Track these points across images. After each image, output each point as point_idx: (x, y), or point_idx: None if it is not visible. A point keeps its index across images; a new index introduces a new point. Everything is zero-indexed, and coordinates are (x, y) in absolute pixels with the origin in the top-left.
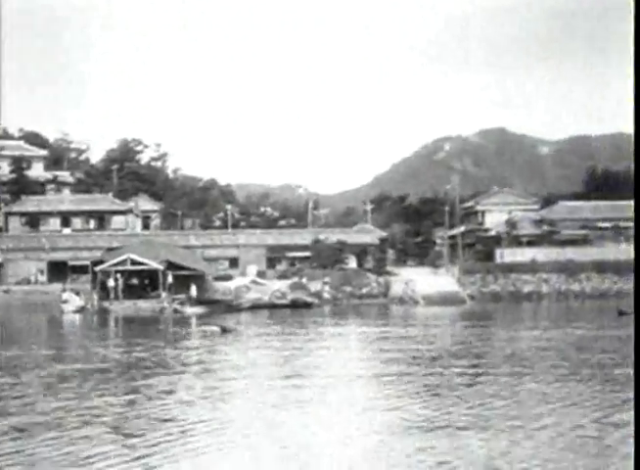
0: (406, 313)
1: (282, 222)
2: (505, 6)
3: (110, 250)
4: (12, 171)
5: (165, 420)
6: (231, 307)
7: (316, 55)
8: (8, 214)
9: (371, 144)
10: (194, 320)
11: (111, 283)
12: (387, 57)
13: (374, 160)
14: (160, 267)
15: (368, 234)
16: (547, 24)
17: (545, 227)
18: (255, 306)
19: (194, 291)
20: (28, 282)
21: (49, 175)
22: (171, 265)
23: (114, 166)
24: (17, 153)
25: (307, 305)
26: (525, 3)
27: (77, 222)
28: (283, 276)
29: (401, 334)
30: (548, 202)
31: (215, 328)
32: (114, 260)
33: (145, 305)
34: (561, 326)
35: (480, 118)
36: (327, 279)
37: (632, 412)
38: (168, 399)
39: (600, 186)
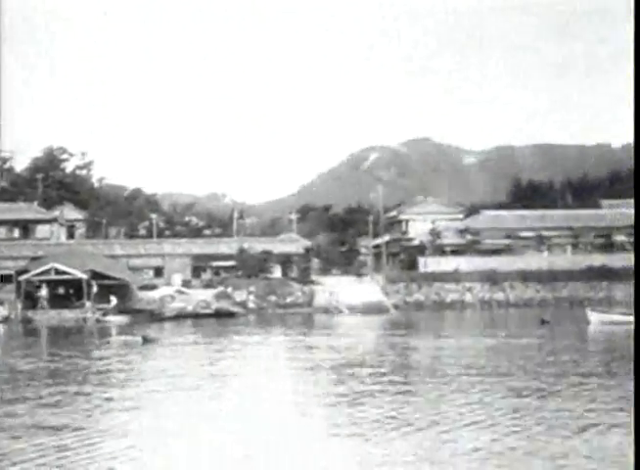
0: (329, 322)
1: (207, 232)
2: (423, 11)
3: (34, 259)
4: None
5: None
6: (155, 317)
7: (238, 66)
8: None
9: (297, 153)
10: (115, 330)
11: (41, 292)
12: (313, 66)
13: (300, 169)
14: (85, 277)
15: (293, 243)
16: (472, 30)
17: (469, 236)
18: (180, 316)
19: (114, 300)
20: None
21: None
22: (96, 275)
23: (39, 175)
24: None
25: (231, 315)
26: (445, 5)
27: (1, 231)
28: (208, 285)
29: (314, 343)
30: (472, 211)
31: (137, 338)
32: (39, 270)
33: (69, 315)
34: (475, 335)
35: (406, 128)
36: (252, 288)
37: (633, 413)
38: (51, 409)
39: (524, 196)
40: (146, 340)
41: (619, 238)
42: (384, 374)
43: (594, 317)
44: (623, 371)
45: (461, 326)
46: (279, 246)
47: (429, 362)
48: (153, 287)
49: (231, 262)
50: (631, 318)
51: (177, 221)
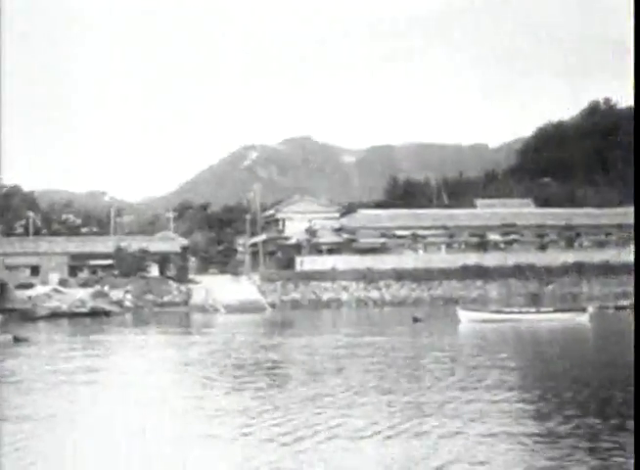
0: (204, 321)
1: (84, 230)
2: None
3: None
4: None
5: None
6: (28, 316)
7: (121, 60)
8: None
9: (178, 151)
10: None
11: None
12: (195, 65)
13: (180, 167)
14: None
15: (170, 242)
16: (353, 32)
17: (345, 235)
18: (55, 315)
19: None
20: None
21: None
22: None
23: None
24: None
25: (107, 314)
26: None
27: None
28: (85, 284)
29: (182, 342)
30: (349, 210)
31: (8, 337)
32: None
33: None
34: (341, 333)
35: (286, 127)
36: (129, 287)
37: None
38: None
39: (400, 195)
40: (17, 339)
41: (493, 237)
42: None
43: (464, 315)
44: (461, 367)
45: (333, 324)
46: (156, 244)
47: (276, 359)
48: (29, 286)
49: (108, 261)
50: (501, 316)
51: (54, 220)
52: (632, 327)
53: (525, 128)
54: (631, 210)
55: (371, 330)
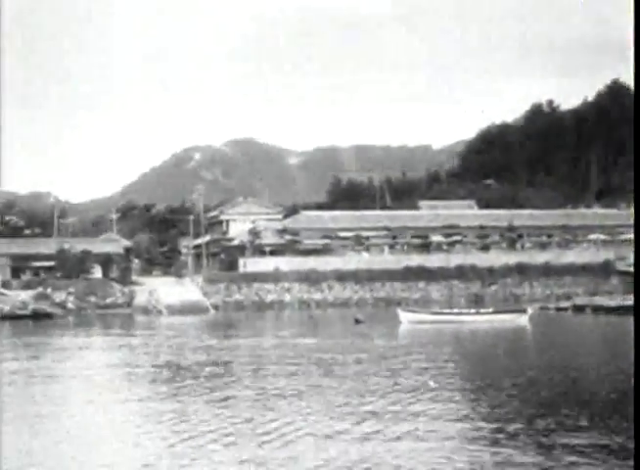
0: (146, 323)
1: (27, 231)
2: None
3: None
4: None
5: None
6: None
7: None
8: None
9: (122, 152)
10: None
11: None
12: (139, 64)
13: (124, 168)
14: None
15: (113, 243)
16: (295, 34)
17: (288, 237)
18: None
19: None
20: None
21: None
22: None
23: None
24: None
25: (49, 316)
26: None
27: None
28: (27, 286)
29: (115, 344)
30: (292, 212)
31: None
32: None
33: None
34: (277, 335)
35: (230, 128)
36: (71, 289)
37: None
38: None
39: (344, 196)
40: None
41: (436, 238)
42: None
43: (404, 317)
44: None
45: (270, 326)
46: (99, 246)
47: (201, 361)
48: None
49: (51, 263)
50: (441, 317)
51: None
52: (570, 327)
53: (469, 130)
54: (572, 211)
55: (307, 332)
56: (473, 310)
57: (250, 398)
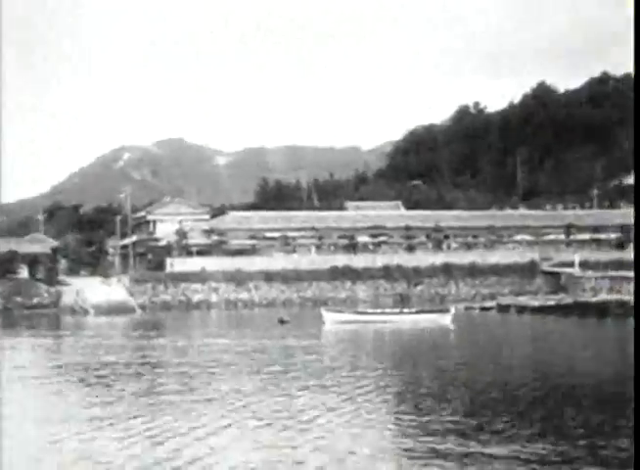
0: (72, 323)
1: None
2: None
3: None
4: None
5: None
6: None
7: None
8: None
9: (50, 152)
10: None
11: None
12: (72, 69)
13: (52, 168)
14: None
15: (40, 244)
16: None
17: (215, 237)
18: None
19: None
20: None
21: None
22: None
23: None
24: None
25: None
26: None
27: None
28: None
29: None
30: (219, 212)
31: None
32: None
33: None
34: (199, 335)
35: (159, 128)
36: None
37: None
38: None
39: (271, 197)
40: None
41: (363, 239)
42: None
43: (328, 317)
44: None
45: (193, 326)
46: (26, 246)
47: (113, 360)
48: None
49: None
50: (364, 317)
51: None
52: (492, 326)
53: (397, 131)
54: (498, 212)
55: (226, 332)
56: (396, 310)
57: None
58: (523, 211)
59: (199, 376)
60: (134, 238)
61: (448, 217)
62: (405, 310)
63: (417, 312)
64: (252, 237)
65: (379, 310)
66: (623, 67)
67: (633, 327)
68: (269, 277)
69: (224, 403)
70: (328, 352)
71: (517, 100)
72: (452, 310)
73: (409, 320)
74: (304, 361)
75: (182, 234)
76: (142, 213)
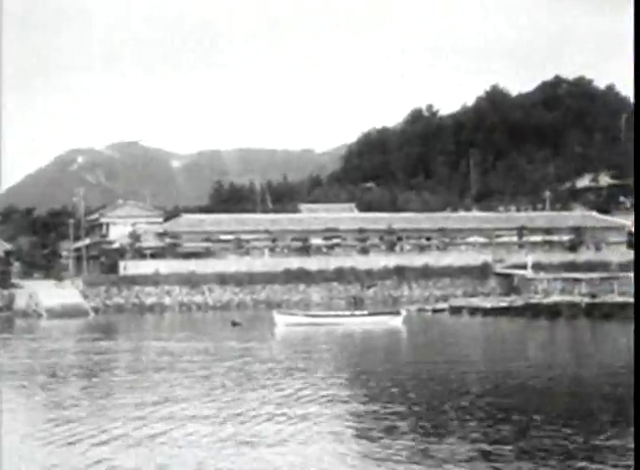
0: (25, 327)
1: None
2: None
3: None
4: None
5: None
6: None
7: None
8: None
9: (5, 155)
10: None
11: None
12: (24, 70)
13: (6, 171)
14: None
15: None
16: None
17: (168, 240)
18: None
19: None
20: None
21: None
22: None
23: None
24: None
25: None
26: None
27: None
28: None
29: None
30: (173, 215)
31: None
32: None
33: None
34: (150, 338)
35: (115, 131)
36: None
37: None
38: None
39: (225, 199)
40: None
41: (316, 241)
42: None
43: (280, 319)
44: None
45: (143, 329)
46: None
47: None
48: None
49: None
50: (315, 320)
51: None
52: (443, 328)
53: (352, 134)
54: (451, 214)
55: (177, 335)
56: (347, 313)
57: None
58: (476, 213)
59: (121, 385)
60: (87, 241)
61: (401, 219)
62: (357, 313)
63: (368, 315)
64: (206, 240)
65: (330, 313)
66: (578, 70)
67: (584, 327)
68: (223, 280)
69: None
70: (272, 354)
71: (470, 103)
72: (403, 313)
73: (360, 322)
74: (243, 363)
75: (135, 237)
76: (95, 216)
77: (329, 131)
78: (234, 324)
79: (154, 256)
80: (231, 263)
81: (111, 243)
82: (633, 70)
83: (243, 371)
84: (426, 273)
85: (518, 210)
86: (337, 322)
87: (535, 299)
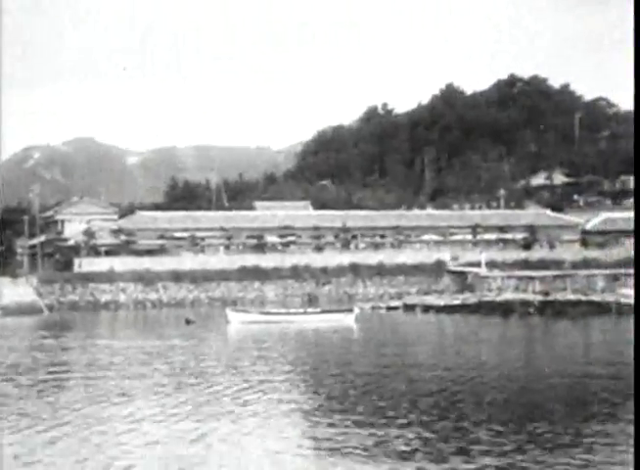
0: None
1: None
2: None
3: None
4: None
5: None
6: None
7: None
8: None
9: None
10: None
11: None
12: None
13: None
14: None
15: None
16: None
17: (123, 237)
18: None
19: None
20: None
21: None
22: None
23: None
24: None
25: None
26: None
27: None
28: None
29: None
30: (127, 212)
31: None
32: None
33: None
34: (99, 336)
35: (70, 128)
36: None
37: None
38: None
39: (180, 196)
40: None
41: (271, 239)
42: None
43: (233, 317)
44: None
45: (95, 326)
46: None
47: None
48: None
49: None
50: (268, 317)
51: None
52: (395, 325)
53: (307, 131)
54: (406, 212)
55: (125, 333)
56: (301, 310)
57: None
58: (430, 210)
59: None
60: (42, 238)
61: (356, 217)
62: (310, 310)
63: (321, 312)
64: (161, 237)
65: (283, 311)
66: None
67: (536, 325)
68: (178, 277)
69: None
70: (216, 351)
71: (425, 101)
72: (356, 310)
73: (314, 320)
74: (182, 362)
75: (90, 234)
76: (50, 213)
77: (285, 129)
78: (188, 322)
79: (108, 253)
80: (186, 261)
81: (65, 240)
82: (633, 70)
83: (181, 369)
84: (380, 271)
85: (472, 208)
86: (290, 320)
87: (489, 296)
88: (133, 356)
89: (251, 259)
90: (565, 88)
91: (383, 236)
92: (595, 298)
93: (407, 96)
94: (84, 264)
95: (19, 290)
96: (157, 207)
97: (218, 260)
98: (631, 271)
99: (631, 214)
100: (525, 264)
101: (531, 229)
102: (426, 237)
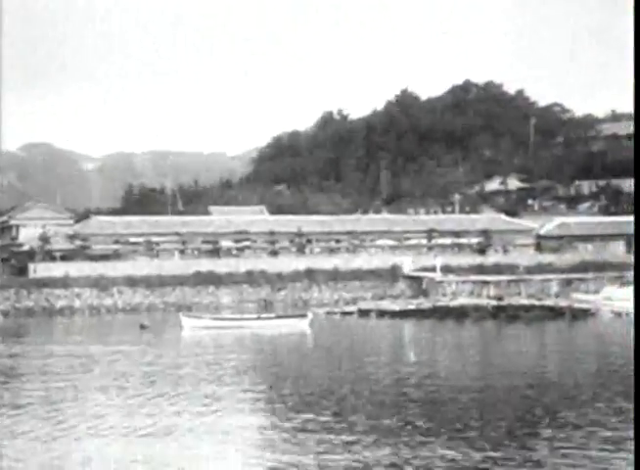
0: None
1: None
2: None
3: None
4: None
5: None
6: None
7: None
8: None
9: None
10: None
11: None
12: None
13: None
14: None
15: None
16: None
17: (78, 242)
18: None
19: None
20: None
21: None
22: None
23: None
24: None
25: None
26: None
27: None
28: None
29: None
30: (83, 217)
31: None
32: None
33: None
34: (52, 342)
35: (26, 133)
36: None
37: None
38: None
39: (136, 202)
40: None
41: (226, 244)
42: None
43: (187, 322)
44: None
45: (46, 332)
46: None
47: None
48: None
49: None
50: (222, 323)
51: None
52: (348, 331)
53: (263, 137)
54: (361, 217)
55: (78, 339)
56: (254, 316)
57: None
58: (385, 215)
59: None
60: None
61: (311, 222)
62: (264, 316)
63: (275, 318)
64: (116, 242)
65: (237, 316)
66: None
67: (489, 329)
68: (133, 282)
69: None
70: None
71: (380, 107)
72: (310, 316)
73: (268, 325)
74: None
75: (45, 239)
76: (5, 218)
77: (240, 135)
78: (142, 327)
79: (64, 258)
80: (141, 266)
81: (20, 245)
82: (633, 70)
83: (117, 376)
84: (335, 276)
85: (427, 212)
86: (244, 325)
87: (443, 301)
88: (69, 362)
89: (207, 265)
90: (519, 94)
91: (338, 241)
92: (549, 302)
93: (363, 102)
94: (39, 270)
95: None
96: (113, 212)
97: (173, 266)
98: (584, 276)
99: (585, 219)
100: (480, 269)
101: (486, 234)
102: (380, 242)
